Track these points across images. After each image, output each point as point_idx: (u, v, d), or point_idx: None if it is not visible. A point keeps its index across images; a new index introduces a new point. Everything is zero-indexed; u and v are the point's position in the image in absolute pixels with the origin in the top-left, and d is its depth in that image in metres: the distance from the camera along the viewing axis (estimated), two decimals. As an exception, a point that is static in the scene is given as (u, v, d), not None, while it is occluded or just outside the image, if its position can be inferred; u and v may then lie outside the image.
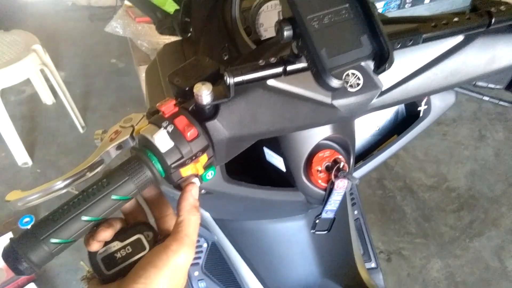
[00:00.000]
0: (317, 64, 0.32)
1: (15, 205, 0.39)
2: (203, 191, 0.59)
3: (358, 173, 0.68)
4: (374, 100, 0.43)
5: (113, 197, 0.35)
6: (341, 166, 0.54)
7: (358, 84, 0.40)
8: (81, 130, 2.23)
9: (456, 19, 0.40)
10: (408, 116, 0.70)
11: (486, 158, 2.06)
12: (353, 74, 0.40)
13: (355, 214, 1.08)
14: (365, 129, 0.71)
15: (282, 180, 0.60)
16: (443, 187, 1.94)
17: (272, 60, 0.38)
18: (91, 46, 2.92)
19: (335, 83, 0.32)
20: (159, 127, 0.37)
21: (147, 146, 0.37)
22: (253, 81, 0.38)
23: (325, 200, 0.57)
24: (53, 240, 0.33)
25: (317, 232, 0.65)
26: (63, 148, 2.16)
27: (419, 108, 0.67)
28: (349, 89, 0.40)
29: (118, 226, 0.40)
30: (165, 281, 0.36)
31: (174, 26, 0.68)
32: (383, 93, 0.43)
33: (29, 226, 0.34)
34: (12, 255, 0.33)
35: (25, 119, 2.33)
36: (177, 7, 0.68)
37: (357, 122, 0.59)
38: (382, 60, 0.34)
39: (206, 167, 0.41)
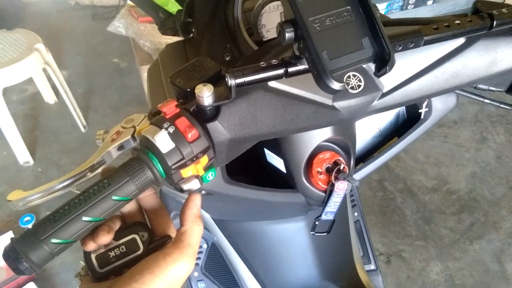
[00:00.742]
0: (318, 66, 0.32)
1: (16, 205, 0.39)
2: (203, 192, 0.59)
3: (358, 175, 0.68)
4: (375, 102, 0.43)
5: (114, 197, 0.35)
6: (341, 168, 0.54)
7: (359, 86, 0.40)
8: (83, 130, 2.23)
9: (458, 21, 0.40)
10: (409, 119, 0.70)
11: (487, 160, 2.06)
12: (354, 75, 0.40)
13: (355, 216, 1.08)
14: (366, 131, 0.71)
15: (282, 182, 0.61)
16: (444, 189, 1.94)
17: (274, 61, 0.38)
18: (94, 45, 2.92)
19: (336, 85, 0.32)
20: (160, 128, 0.37)
21: (148, 147, 0.37)
22: (254, 83, 0.38)
23: (325, 202, 0.57)
24: (54, 240, 0.33)
25: (316, 234, 0.65)
26: (64, 147, 2.17)
27: (420, 111, 0.67)
28: (350, 91, 0.40)
29: (117, 226, 0.40)
30: None
31: (177, 26, 0.68)
32: (384, 95, 0.43)
33: (29, 225, 0.35)
34: (12, 255, 0.33)
35: (27, 118, 2.34)
36: (180, 8, 0.68)
37: (358, 124, 0.59)
38: (383, 63, 0.34)
39: (207, 168, 0.41)
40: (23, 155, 2.04)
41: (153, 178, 0.37)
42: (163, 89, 0.62)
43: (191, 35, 0.69)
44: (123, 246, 0.40)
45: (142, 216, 0.44)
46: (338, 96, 0.41)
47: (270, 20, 0.61)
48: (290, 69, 0.38)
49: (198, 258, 0.96)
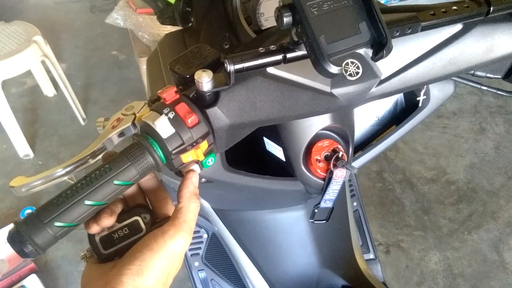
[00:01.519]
0: (316, 50, 0.33)
1: (19, 191, 0.39)
2: (203, 179, 0.60)
3: (357, 163, 0.69)
4: (373, 89, 0.43)
5: (116, 182, 0.36)
6: (340, 156, 0.55)
7: (357, 73, 0.40)
8: (82, 122, 2.23)
9: (455, 7, 0.40)
10: (407, 106, 0.71)
11: (486, 151, 2.06)
12: (352, 62, 0.40)
13: (354, 205, 1.09)
14: (364, 119, 0.71)
15: (282, 170, 0.61)
16: (443, 180, 1.94)
17: (272, 47, 0.39)
18: (92, 38, 2.91)
19: (333, 69, 0.33)
20: (160, 113, 0.37)
21: (148, 133, 0.38)
22: (253, 68, 0.38)
23: (324, 189, 0.57)
24: (57, 224, 0.34)
25: (316, 222, 0.65)
26: (64, 140, 2.17)
27: (418, 98, 0.67)
28: (349, 78, 0.40)
29: (119, 209, 0.41)
30: (160, 264, 0.36)
31: (175, 15, 0.68)
32: (382, 81, 0.43)
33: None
34: (17, 238, 0.34)
35: (26, 111, 2.33)
36: (178, -3, 0.68)
37: (356, 112, 0.60)
38: (380, 47, 0.35)
39: (207, 153, 0.41)
40: (23, 148, 2.04)
41: (154, 163, 0.37)
42: (162, 77, 0.62)
43: (190, 24, 0.69)
44: (126, 228, 0.40)
45: (143, 199, 0.44)
46: (336, 83, 0.41)
47: (269, 9, 0.61)
48: (289, 55, 0.39)
49: (199, 248, 0.97)
